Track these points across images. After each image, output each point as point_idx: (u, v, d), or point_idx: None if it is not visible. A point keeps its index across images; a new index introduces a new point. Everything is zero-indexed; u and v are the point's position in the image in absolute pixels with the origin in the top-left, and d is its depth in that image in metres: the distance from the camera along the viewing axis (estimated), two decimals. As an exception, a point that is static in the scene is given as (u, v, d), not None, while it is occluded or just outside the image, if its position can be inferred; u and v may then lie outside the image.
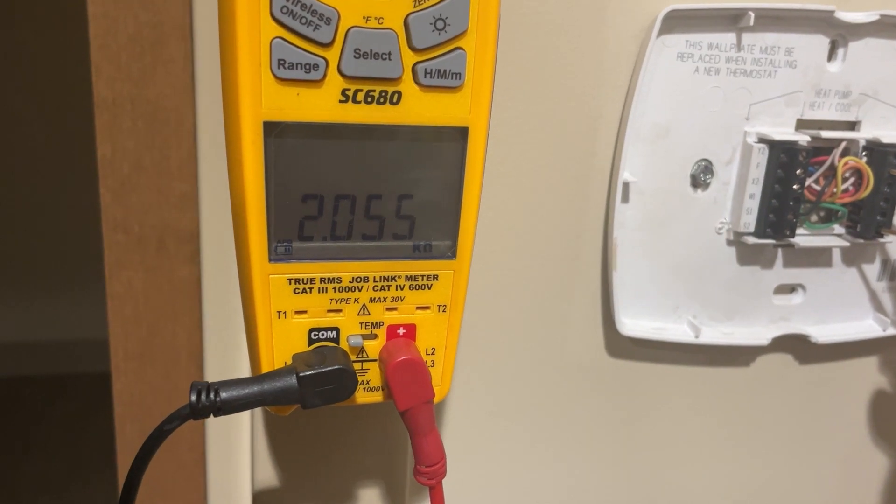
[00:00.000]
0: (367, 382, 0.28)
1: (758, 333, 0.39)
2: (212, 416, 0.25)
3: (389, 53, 0.23)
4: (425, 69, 0.24)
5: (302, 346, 0.27)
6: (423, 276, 0.27)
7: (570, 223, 0.36)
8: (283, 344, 0.27)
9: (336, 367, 0.25)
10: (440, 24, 0.23)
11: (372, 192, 0.25)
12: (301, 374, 0.25)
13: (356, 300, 0.27)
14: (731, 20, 0.34)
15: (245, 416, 0.35)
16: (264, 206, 0.24)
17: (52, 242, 1.60)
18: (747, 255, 0.38)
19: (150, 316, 0.35)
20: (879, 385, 0.44)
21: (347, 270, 0.26)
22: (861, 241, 0.38)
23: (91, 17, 0.31)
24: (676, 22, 0.33)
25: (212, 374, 0.35)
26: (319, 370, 0.25)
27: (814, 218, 0.38)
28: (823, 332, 0.40)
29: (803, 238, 0.37)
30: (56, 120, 1.51)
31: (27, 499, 1.34)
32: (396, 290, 0.27)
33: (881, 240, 0.37)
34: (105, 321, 0.34)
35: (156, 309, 0.34)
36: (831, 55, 0.36)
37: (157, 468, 0.36)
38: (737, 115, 0.35)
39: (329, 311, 0.27)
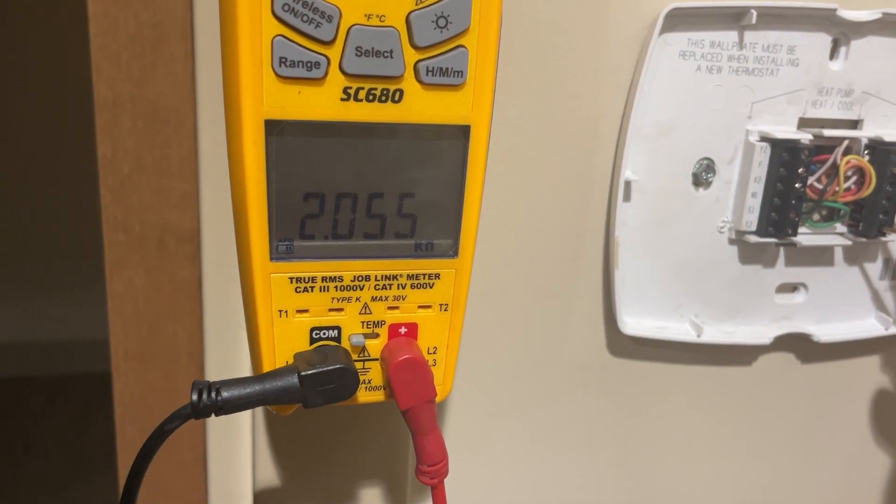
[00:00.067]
0: (369, 382, 0.28)
1: (759, 332, 0.39)
2: (213, 415, 0.24)
3: (391, 51, 0.23)
4: (427, 67, 0.24)
5: (303, 345, 0.27)
6: (424, 274, 0.27)
7: (571, 222, 0.36)
8: (285, 343, 0.26)
9: (338, 366, 0.25)
10: (442, 22, 0.23)
11: (373, 191, 0.25)
12: (302, 374, 0.25)
13: (358, 299, 0.27)
14: (734, 18, 0.34)
15: (246, 415, 0.35)
16: (265, 204, 0.24)
17: (52, 242, 1.60)
18: (749, 254, 0.38)
19: (151, 316, 0.34)
20: (881, 384, 0.44)
21: (349, 269, 0.26)
22: (863, 239, 0.37)
23: (91, 17, 0.31)
24: (678, 20, 0.33)
25: (212, 374, 0.35)
26: (321, 369, 0.25)
27: (816, 217, 0.38)
28: (825, 332, 0.40)
29: (805, 237, 0.37)
30: (56, 120, 1.51)
31: (27, 499, 1.34)
32: (398, 288, 0.27)
33: (883, 238, 0.37)
34: (105, 321, 0.34)
35: (156, 309, 0.34)
36: (833, 53, 0.35)
37: (158, 468, 0.36)
38: (739, 114, 0.35)
39: (330, 310, 0.27)
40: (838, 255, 0.39)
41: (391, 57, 0.23)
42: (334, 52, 0.23)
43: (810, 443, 0.45)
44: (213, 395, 0.24)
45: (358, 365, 0.27)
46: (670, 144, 0.35)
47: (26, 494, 1.35)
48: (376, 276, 0.26)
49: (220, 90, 0.24)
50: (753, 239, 0.36)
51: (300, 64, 0.23)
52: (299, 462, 0.37)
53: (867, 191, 0.36)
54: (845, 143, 0.36)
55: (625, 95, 0.35)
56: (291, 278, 0.26)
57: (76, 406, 1.58)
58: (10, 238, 1.60)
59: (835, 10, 0.34)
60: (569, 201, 0.36)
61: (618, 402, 0.41)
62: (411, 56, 0.23)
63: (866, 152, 0.37)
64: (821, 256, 0.39)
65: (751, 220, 0.36)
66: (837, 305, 0.40)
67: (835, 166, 0.36)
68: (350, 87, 0.23)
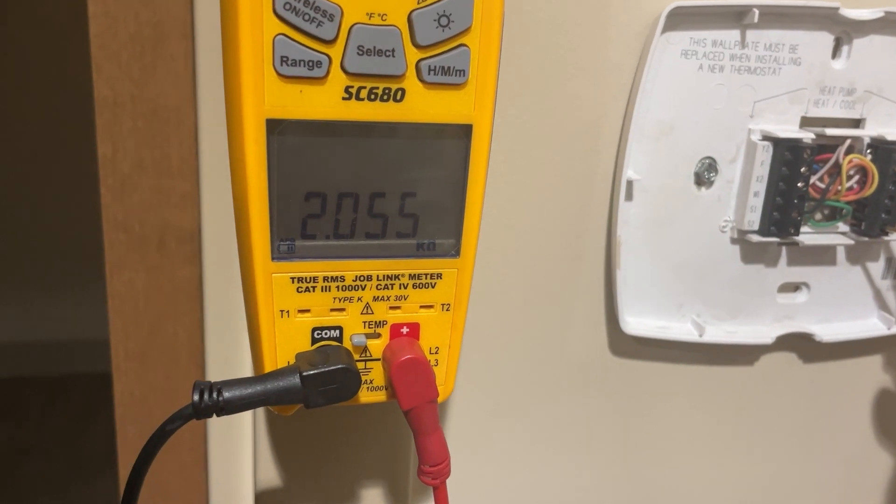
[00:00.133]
0: (371, 382, 0.28)
1: (762, 332, 0.39)
2: (214, 415, 0.24)
3: (393, 50, 0.23)
4: (429, 66, 0.23)
5: (305, 345, 0.27)
6: (426, 274, 0.27)
7: (573, 221, 0.36)
8: (286, 343, 0.26)
9: (339, 366, 0.25)
10: (444, 21, 0.23)
11: (375, 190, 0.25)
12: (304, 374, 0.25)
13: (359, 299, 0.26)
14: (736, 17, 0.34)
15: (247, 415, 0.35)
16: (267, 204, 0.24)
17: (52, 242, 1.60)
18: (751, 254, 0.38)
19: (151, 316, 0.34)
20: (884, 384, 0.44)
21: (351, 269, 0.26)
22: (865, 239, 0.37)
23: (91, 16, 0.31)
24: (680, 19, 0.33)
25: (213, 374, 0.35)
26: (323, 369, 0.25)
27: (818, 216, 0.38)
28: (828, 331, 0.40)
29: (807, 236, 0.37)
30: (56, 119, 1.51)
31: (27, 499, 1.34)
32: (400, 288, 0.27)
33: (886, 238, 0.37)
34: (105, 321, 0.34)
35: (156, 309, 0.34)
36: (836, 52, 0.35)
37: (159, 468, 0.36)
38: (741, 113, 0.35)
39: (332, 309, 0.26)
40: (840, 254, 0.39)
41: (393, 56, 0.23)
42: (336, 51, 0.23)
43: (812, 442, 0.44)
44: (215, 395, 0.24)
45: (360, 365, 0.27)
46: (672, 144, 0.35)
47: (26, 494, 1.35)
48: (378, 276, 0.26)
49: (220, 89, 0.24)
50: (755, 238, 0.36)
51: (301, 63, 0.22)
52: (301, 462, 0.37)
53: (869, 190, 0.36)
54: (847, 142, 0.36)
55: (626, 94, 0.34)
56: (293, 278, 0.26)
57: (76, 406, 1.58)
58: (10, 238, 1.60)
59: (837, 8, 0.34)
60: (570, 201, 0.36)
61: (619, 402, 0.40)
62: (413, 55, 0.23)
63: (868, 151, 0.36)
64: (823, 256, 0.39)
65: (753, 219, 0.36)
66: (840, 305, 0.40)
67: (837, 165, 0.36)
68: (352, 87, 0.23)
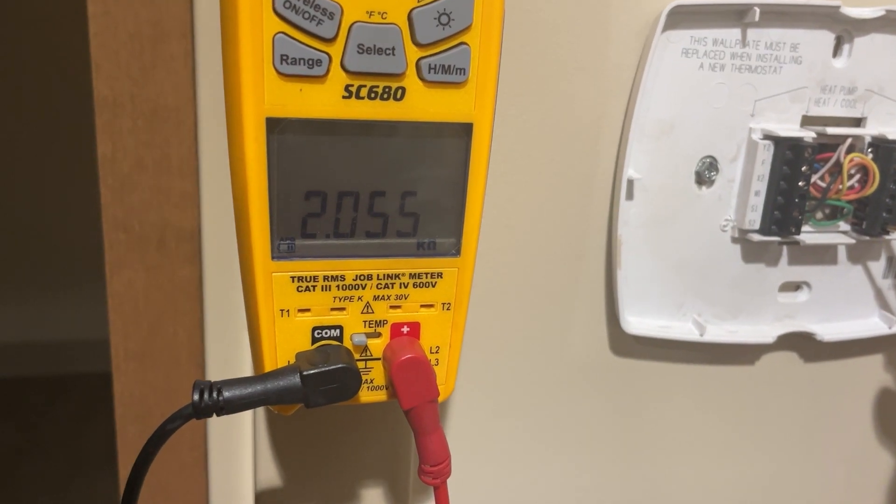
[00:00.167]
0: (371, 381, 0.28)
1: (763, 331, 0.39)
2: (214, 415, 0.24)
3: (393, 48, 0.23)
4: (429, 65, 0.23)
5: (305, 344, 0.27)
6: (427, 273, 0.27)
7: (574, 221, 0.36)
8: (286, 342, 0.26)
9: (340, 365, 0.25)
10: (444, 19, 0.23)
11: (375, 189, 0.25)
12: (304, 373, 0.25)
13: (360, 298, 0.26)
14: (737, 16, 0.34)
15: (247, 415, 0.35)
16: (267, 203, 0.24)
17: (52, 242, 1.60)
18: (752, 253, 0.38)
19: (151, 315, 0.34)
20: (885, 383, 0.44)
21: (351, 268, 0.26)
22: (867, 238, 0.37)
23: (91, 15, 0.31)
24: (681, 17, 0.33)
25: (213, 374, 0.35)
26: (323, 369, 0.25)
27: (819, 215, 0.38)
28: (829, 330, 0.39)
29: (809, 235, 0.37)
30: (56, 119, 1.51)
31: (27, 499, 1.34)
32: (400, 287, 0.27)
33: (887, 237, 0.37)
34: (105, 321, 0.34)
35: (156, 308, 0.34)
36: (837, 51, 0.35)
37: (159, 468, 0.36)
38: (742, 112, 0.35)
39: (332, 309, 0.26)
40: (842, 253, 0.39)
41: (393, 54, 0.23)
42: (336, 50, 0.23)
43: (813, 442, 0.44)
44: (215, 394, 0.24)
45: (360, 364, 0.27)
46: (673, 143, 0.35)
47: (26, 494, 1.35)
48: (378, 276, 0.26)
49: (220, 89, 0.24)
50: (756, 237, 0.36)
51: (301, 61, 0.22)
52: (301, 462, 0.37)
53: (871, 189, 0.36)
54: (849, 140, 0.36)
55: (627, 93, 0.34)
56: (293, 277, 0.26)
57: (76, 406, 1.58)
58: (9, 238, 1.60)
59: (838, 7, 0.34)
60: (571, 200, 0.36)
61: (620, 402, 0.40)
62: (413, 53, 0.23)
63: (870, 150, 0.36)
64: (824, 255, 0.39)
65: (754, 218, 0.36)
66: (841, 304, 0.40)
67: (838, 164, 0.36)
68: (352, 85, 0.23)
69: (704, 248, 0.37)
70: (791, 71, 0.35)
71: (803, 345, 0.41)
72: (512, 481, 0.41)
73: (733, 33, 0.34)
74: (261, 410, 0.36)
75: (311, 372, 0.25)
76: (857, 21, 0.34)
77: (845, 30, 0.35)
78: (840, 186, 0.36)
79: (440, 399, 0.28)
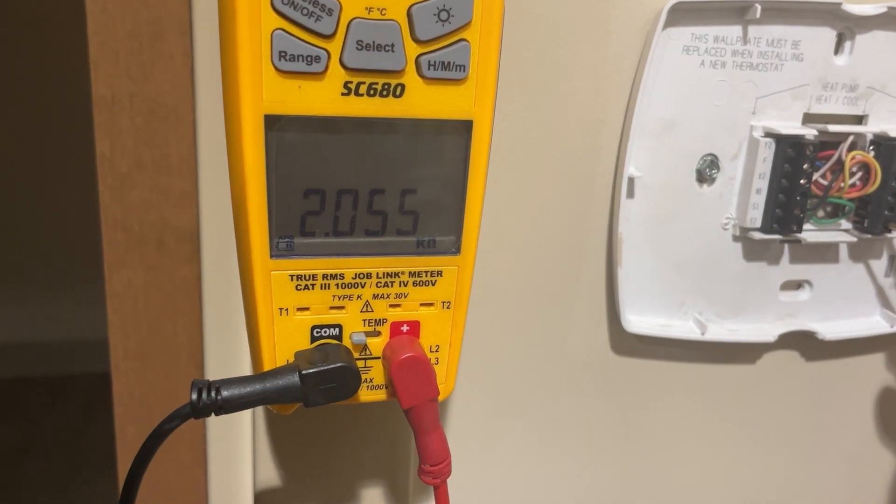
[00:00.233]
0: (371, 380, 0.28)
1: (764, 330, 0.39)
2: (213, 414, 0.24)
3: (392, 45, 0.23)
4: (429, 61, 0.23)
5: (304, 343, 0.26)
6: (426, 272, 0.27)
7: (574, 219, 0.36)
8: (285, 341, 0.26)
9: (339, 364, 0.25)
10: (444, 15, 0.23)
11: (375, 187, 0.25)
12: (303, 372, 0.25)
13: (359, 297, 0.26)
14: (738, 13, 0.33)
15: (246, 414, 0.35)
16: (265, 201, 0.24)
17: (51, 242, 1.60)
18: (753, 251, 0.38)
19: (150, 315, 0.34)
20: (887, 382, 0.44)
21: (350, 266, 0.26)
22: (868, 236, 0.37)
23: (89, 14, 0.30)
24: (682, 14, 0.33)
25: (212, 374, 0.35)
26: (322, 368, 0.25)
27: (821, 213, 0.38)
28: (830, 329, 0.39)
29: (810, 233, 0.37)
30: (54, 118, 1.51)
31: (27, 499, 1.34)
32: (400, 286, 0.27)
33: (889, 235, 0.37)
34: (105, 321, 0.34)
35: (156, 308, 0.34)
36: (838, 48, 0.35)
37: (158, 468, 0.36)
38: (743, 109, 0.35)
39: (332, 307, 0.26)
40: (843, 251, 0.39)
41: (392, 51, 0.23)
42: (335, 46, 0.22)
43: (815, 441, 0.44)
44: (213, 394, 0.24)
45: (359, 363, 0.27)
46: (674, 140, 0.35)
47: (26, 494, 1.35)
48: (378, 274, 0.26)
49: (219, 87, 0.24)
50: (758, 236, 0.36)
51: (300, 58, 0.22)
52: (300, 462, 0.37)
53: (872, 187, 0.36)
54: (850, 138, 0.36)
55: (628, 91, 0.34)
56: (292, 276, 0.25)
57: (76, 406, 1.58)
58: (9, 238, 1.60)
59: (839, 4, 0.34)
60: (571, 198, 0.36)
61: (621, 401, 0.40)
62: (413, 50, 0.23)
63: (871, 148, 0.36)
64: (826, 253, 0.39)
65: (755, 216, 0.36)
66: (842, 303, 0.40)
67: (840, 162, 0.36)
68: (351, 82, 0.23)
69: (705, 247, 0.37)
70: (792, 68, 0.35)
71: (805, 343, 0.41)
72: (512, 481, 0.41)
73: (734, 30, 0.34)
74: (260, 410, 0.36)
75: (311, 371, 0.25)
76: (858, 18, 0.34)
77: (847, 27, 0.35)
78: (842, 184, 0.36)
79: (440, 398, 0.28)
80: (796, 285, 0.39)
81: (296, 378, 0.25)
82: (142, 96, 0.32)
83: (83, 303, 1.60)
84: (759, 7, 0.33)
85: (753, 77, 0.34)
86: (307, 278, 0.26)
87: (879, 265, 0.40)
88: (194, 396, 0.24)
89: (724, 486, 0.44)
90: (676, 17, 0.33)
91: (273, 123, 0.23)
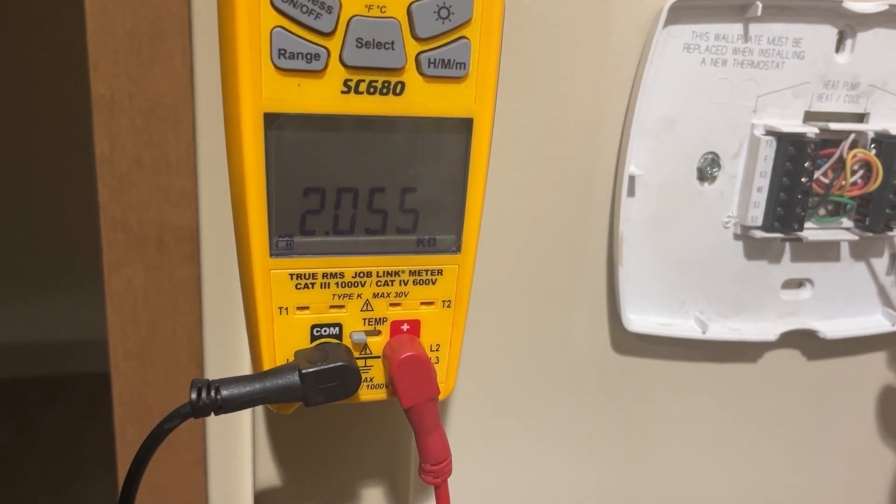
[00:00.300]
0: (371, 379, 0.28)
1: (765, 329, 0.39)
2: (213, 414, 0.24)
3: (392, 43, 0.23)
4: (429, 59, 0.23)
5: (304, 342, 0.26)
6: (427, 270, 0.27)
7: (575, 218, 0.36)
8: (285, 340, 0.26)
9: (339, 363, 0.25)
10: (444, 13, 0.23)
11: (375, 186, 0.25)
12: (303, 372, 0.25)
13: (359, 296, 0.26)
14: (738, 10, 0.33)
15: (246, 414, 0.35)
16: (265, 199, 0.24)
17: (50, 242, 1.60)
18: (755, 250, 0.37)
19: (150, 315, 0.34)
20: (888, 380, 0.44)
21: (350, 265, 0.26)
22: (870, 234, 0.37)
23: (89, 13, 0.30)
24: (682, 12, 0.33)
25: (212, 373, 0.35)
26: (322, 367, 0.25)
27: (822, 211, 0.38)
28: (832, 328, 0.39)
29: (811, 232, 0.37)
30: (54, 117, 1.51)
31: (27, 499, 1.34)
32: (400, 285, 0.26)
33: (890, 233, 0.37)
34: (104, 321, 0.34)
35: (155, 307, 0.34)
36: (839, 46, 0.35)
37: (158, 468, 0.35)
38: (744, 108, 0.35)
39: (331, 306, 0.26)
40: (844, 250, 0.39)
41: (392, 49, 0.23)
42: (334, 44, 0.22)
43: (816, 439, 0.44)
44: (213, 393, 0.24)
45: (360, 363, 0.27)
46: (674, 139, 0.35)
47: (26, 494, 1.35)
48: (378, 273, 0.26)
49: (218, 87, 0.24)
50: (759, 234, 0.36)
51: (300, 56, 0.22)
52: (300, 461, 0.37)
53: (874, 185, 0.36)
54: (851, 136, 0.36)
55: (628, 89, 0.34)
56: (292, 275, 0.25)
57: (76, 406, 1.58)
58: (8, 238, 1.59)
59: (841, 1, 0.33)
60: (572, 197, 0.36)
61: (622, 400, 0.40)
62: (413, 47, 0.23)
63: (873, 146, 0.36)
64: (827, 252, 0.39)
65: (756, 215, 0.36)
66: (844, 301, 0.40)
67: (841, 160, 0.36)
68: (350, 80, 0.23)
69: (706, 245, 0.37)
70: (793, 66, 0.35)
71: (806, 342, 0.41)
72: (513, 480, 0.41)
73: (735, 28, 0.34)
74: (260, 409, 0.36)
75: (310, 370, 0.25)
76: (860, 16, 0.34)
77: (848, 24, 0.35)
78: (843, 182, 0.36)
79: (441, 397, 0.27)
80: (797, 284, 0.39)
81: (296, 377, 0.25)
82: (141, 96, 0.31)
83: (83, 303, 1.60)
84: (759, 5, 0.33)
85: (754, 75, 0.34)
86: (307, 277, 0.25)
87: (881, 263, 0.40)
88: (194, 396, 0.24)
89: (725, 485, 0.44)
90: (677, 15, 0.33)
91: (273, 122, 0.23)
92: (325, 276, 0.26)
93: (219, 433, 0.35)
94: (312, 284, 0.26)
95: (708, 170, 0.36)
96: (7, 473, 1.39)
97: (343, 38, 0.22)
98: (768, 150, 0.35)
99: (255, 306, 0.25)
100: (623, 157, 0.34)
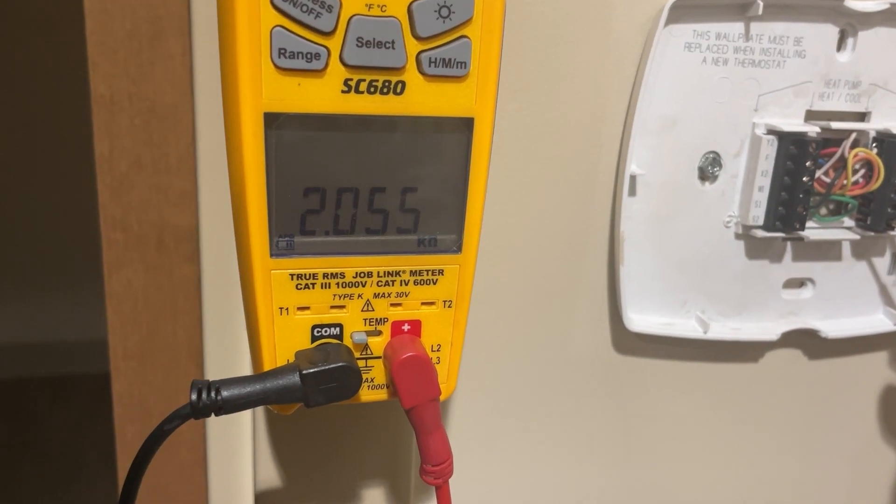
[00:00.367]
0: (372, 380, 0.27)
1: (767, 328, 0.39)
2: (213, 415, 0.24)
3: (393, 42, 0.23)
4: (430, 58, 0.23)
5: (304, 343, 0.26)
6: (428, 270, 0.26)
7: (576, 217, 0.36)
8: (286, 341, 0.26)
9: (340, 364, 0.25)
10: (445, 12, 0.23)
11: (375, 186, 0.25)
12: (304, 372, 0.25)
13: (360, 296, 0.26)
14: (740, 9, 0.33)
15: (246, 415, 0.35)
16: (265, 199, 0.24)
17: (50, 242, 1.60)
18: (756, 249, 0.37)
19: (150, 315, 0.34)
20: (890, 380, 0.44)
21: (351, 265, 0.26)
22: (871, 233, 0.37)
23: (88, 13, 0.30)
24: (683, 11, 0.33)
25: (212, 374, 0.35)
26: (323, 368, 0.25)
27: (823, 211, 0.37)
28: (833, 327, 0.39)
29: (813, 231, 0.37)
30: (53, 117, 1.50)
31: (27, 499, 1.34)
32: (401, 285, 0.26)
33: (892, 232, 0.37)
34: (104, 321, 0.34)
35: (155, 308, 0.34)
36: (841, 45, 0.35)
37: (158, 469, 0.35)
38: (745, 107, 0.35)
39: (332, 307, 0.26)
40: (846, 249, 0.39)
41: (393, 48, 0.23)
42: (335, 43, 0.22)
43: (818, 439, 0.44)
44: (213, 394, 0.24)
45: (360, 363, 0.27)
46: (676, 138, 0.35)
47: (26, 494, 1.35)
48: (379, 273, 0.26)
49: (218, 87, 0.24)
50: (760, 233, 0.36)
51: (300, 55, 0.22)
52: (301, 462, 0.37)
53: (875, 184, 0.36)
54: (853, 135, 0.35)
55: (629, 88, 0.34)
56: (292, 275, 0.25)
57: (76, 406, 1.58)
58: (8, 238, 1.59)
59: (842, 0, 0.33)
60: (573, 196, 0.36)
61: (623, 400, 0.40)
62: (413, 47, 0.23)
63: (874, 145, 0.36)
64: (828, 251, 0.39)
65: (757, 214, 0.36)
66: (845, 301, 0.40)
67: (842, 159, 0.35)
68: (351, 79, 0.23)
69: (708, 245, 0.37)
70: (795, 65, 0.35)
71: (807, 342, 0.41)
72: (515, 480, 0.40)
73: (736, 27, 0.33)
74: (260, 410, 0.35)
75: (311, 371, 0.25)
76: (861, 14, 0.34)
77: (849, 23, 0.35)
78: (844, 182, 0.36)
79: (442, 398, 0.27)
80: (799, 283, 0.39)
81: (296, 378, 0.25)
82: (141, 96, 0.31)
83: (83, 303, 1.60)
84: (761, 4, 0.33)
85: (755, 74, 0.34)
86: (307, 277, 0.25)
87: (882, 263, 0.40)
88: (194, 397, 0.24)
89: (727, 485, 0.44)
90: (678, 14, 0.33)
91: (273, 121, 0.23)
92: (325, 276, 0.26)
93: (219, 433, 0.35)
94: (313, 285, 0.25)
95: (709, 169, 0.35)
96: (7, 473, 1.39)
97: (343, 38, 0.22)
98: (769, 149, 0.35)
99: (256, 307, 0.25)
100: (624, 156, 0.34)
